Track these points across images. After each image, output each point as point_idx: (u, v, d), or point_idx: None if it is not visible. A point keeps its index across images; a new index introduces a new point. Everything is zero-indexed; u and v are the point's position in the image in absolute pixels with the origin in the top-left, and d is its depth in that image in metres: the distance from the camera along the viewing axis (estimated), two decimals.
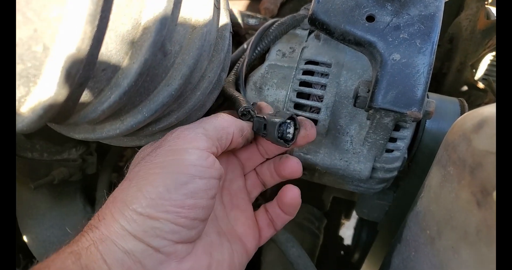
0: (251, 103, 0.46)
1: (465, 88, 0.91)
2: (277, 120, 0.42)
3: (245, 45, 0.61)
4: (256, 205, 0.50)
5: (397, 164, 0.55)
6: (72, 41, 0.26)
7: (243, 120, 0.44)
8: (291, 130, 0.43)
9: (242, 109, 0.44)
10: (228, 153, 0.48)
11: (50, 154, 0.74)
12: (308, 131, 0.44)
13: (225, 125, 0.39)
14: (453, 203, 0.36)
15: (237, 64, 0.56)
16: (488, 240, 0.30)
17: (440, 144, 0.41)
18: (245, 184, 0.49)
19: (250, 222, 0.46)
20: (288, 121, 0.43)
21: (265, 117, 0.43)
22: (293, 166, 0.47)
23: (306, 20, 0.59)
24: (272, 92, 0.55)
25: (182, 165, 0.34)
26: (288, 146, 0.43)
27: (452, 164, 0.36)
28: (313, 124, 0.45)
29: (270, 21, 0.61)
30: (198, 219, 0.35)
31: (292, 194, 0.45)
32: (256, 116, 0.44)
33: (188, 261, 0.35)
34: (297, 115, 0.50)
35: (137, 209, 0.32)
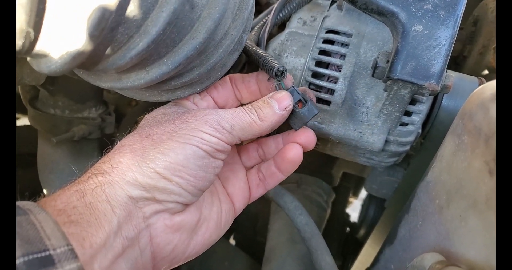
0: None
1: (485, 72, 0.89)
2: (316, 110, 0.45)
3: (266, 11, 0.61)
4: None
5: (411, 138, 0.55)
6: None
7: (275, 79, 0.45)
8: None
9: (280, 69, 0.44)
10: None
11: (71, 111, 0.77)
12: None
13: (256, 133, 0.43)
14: (464, 172, 0.37)
15: (257, 26, 0.56)
16: None
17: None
18: (237, 150, 0.51)
19: (241, 183, 0.49)
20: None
21: (307, 99, 0.45)
22: (308, 135, 0.47)
23: None
24: (291, 60, 0.55)
25: (202, 144, 0.38)
26: (296, 129, 0.47)
27: (467, 133, 0.37)
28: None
29: None
30: (202, 189, 0.40)
31: (296, 151, 0.47)
32: (295, 88, 0.45)
33: (180, 215, 0.40)
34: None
35: (156, 168, 0.36)
